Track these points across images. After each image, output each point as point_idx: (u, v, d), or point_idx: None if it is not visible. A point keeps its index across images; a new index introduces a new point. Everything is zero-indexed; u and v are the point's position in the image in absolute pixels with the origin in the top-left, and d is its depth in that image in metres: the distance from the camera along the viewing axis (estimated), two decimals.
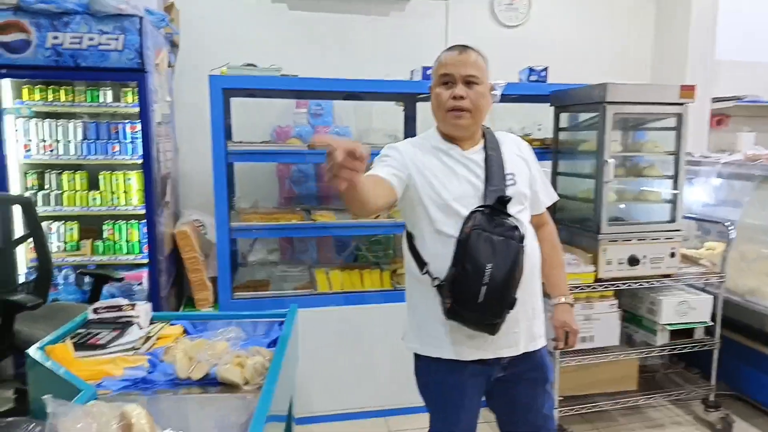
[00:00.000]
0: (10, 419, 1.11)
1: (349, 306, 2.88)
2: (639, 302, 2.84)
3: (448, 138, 1.68)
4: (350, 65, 3.63)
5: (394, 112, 3.60)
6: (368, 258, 3.43)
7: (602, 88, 2.58)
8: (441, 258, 1.58)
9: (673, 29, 4.14)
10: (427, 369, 1.68)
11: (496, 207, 1.58)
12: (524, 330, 1.67)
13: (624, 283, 2.66)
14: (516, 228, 1.58)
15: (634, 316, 2.87)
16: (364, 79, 2.93)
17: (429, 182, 1.61)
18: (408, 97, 3.39)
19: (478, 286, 1.51)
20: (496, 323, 1.57)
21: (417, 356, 1.72)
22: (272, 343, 1.84)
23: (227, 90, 2.79)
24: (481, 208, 1.57)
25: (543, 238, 1.79)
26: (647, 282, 2.69)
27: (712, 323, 2.79)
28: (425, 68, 3.03)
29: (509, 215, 1.59)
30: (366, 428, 2.87)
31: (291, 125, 3.69)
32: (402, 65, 3.28)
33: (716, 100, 4.27)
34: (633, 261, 2.64)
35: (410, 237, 1.69)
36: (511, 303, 1.57)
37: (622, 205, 2.91)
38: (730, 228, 2.86)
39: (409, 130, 3.42)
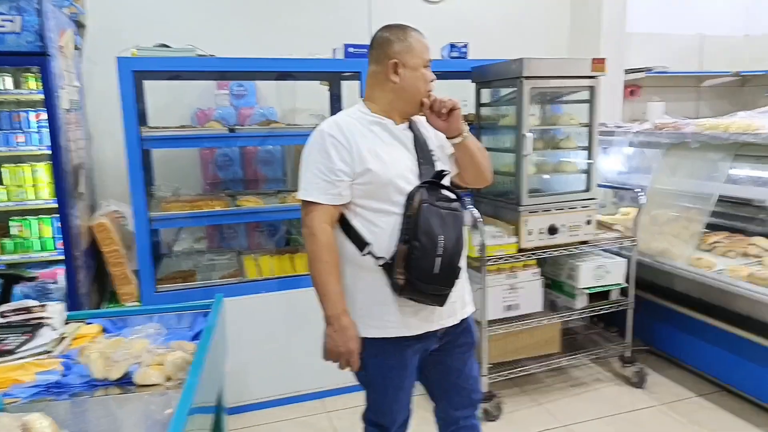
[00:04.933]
0: None
1: (282, 291, 2.85)
2: (559, 269, 2.98)
3: (381, 114, 1.69)
4: (270, 43, 3.53)
5: (319, 91, 3.54)
6: (300, 241, 3.41)
7: (518, 63, 2.64)
8: (386, 236, 1.60)
9: (586, 3, 4.27)
10: (368, 351, 1.68)
11: (435, 181, 1.64)
12: (459, 298, 1.74)
13: (545, 252, 2.78)
14: (455, 200, 1.65)
15: (556, 282, 3.02)
16: (287, 58, 2.86)
17: (372, 161, 1.61)
18: (333, 76, 3.35)
19: (433, 258, 1.56)
20: (446, 294, 1.63)
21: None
22: (198, 335, 1.81)
23: (139, 72, 2.66)
24: (424, 184, 1.62)
25: None
26: (566, 249, 2.82)
27: (627, 284, 2.98)
28: (347, 45, 3.00)
29: (446, 188, 1.66)
30: (303, 411, 2.88)
31: (213, 107, 3.56)
32: (324, 42, 3.22)
33: (629, 71, 4.47)
34: (552, 230, 2.76)
35: (344, 220, 1.67)
36: (458, 272, 1.64)
37: (543, 177, 3.02)
38: (640, 194, 3.03)
39: (335, 110, 3.38)
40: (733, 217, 3.38)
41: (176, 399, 1.37)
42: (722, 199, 3.22)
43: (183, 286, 2.74)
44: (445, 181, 1.69)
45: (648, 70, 4.57)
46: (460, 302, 1.77)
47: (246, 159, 3.58)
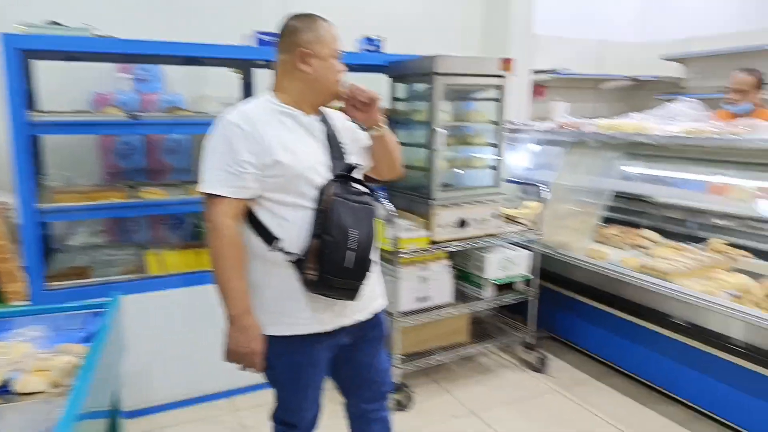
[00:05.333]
0: None
1: (186, 287, 2.73)
2: (468, 260, 3.08)
3: (291, 104, 1.64)
4: (178, 26, 3.35)
5: (230, 78, 3.41)
6: None
7: (431, 60, 2.68)
8: (297, 230, 1.56)
9: (497, 4, 4.42)
10: (276, 350, 1.64)
11: (346, 175, 1.62)
12: (370, 291, 1.73)
13: (455, 244, 2.85)
14: (367, 193, 1.64)
15: (465, 273, 3.11)
16: (193, 43, 2.71)
17: (282, 153, 1.55)
18: (245, 64, 3.23)
19: (344, 252, 1.53)
20: (357, 288, 1.61)
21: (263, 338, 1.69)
22: (90, 337, 1.69)
23: (26, 51, 2.44)
24: (335, 177, 1.60)
25: None
26: (474, 242, 2.91)
27: (531, 275, 3.12)
28: (259, 33, 2.91)
29: (358, 181, 1.65)
30: (211, 411, 2.79)
31: (113, 92, 3.33)
32: (236, 28, 3.10)
33: (536, 72, 4.68)
34: (462, 223, 2.83)
35: (251, 214, 1.60)
36: (370, 265, 1.62)
37: (454, 172, 3.09)
38: (544, 189, 3.18)
39: (247, 98, 3.27)
40: (626, 212, 3.65)
41: (62, 407, 1.28)
42: (618, 195, 3.46)
43: (77, 283, 2.55)
44: (357, 175, 1.68)
45: (554, 71, 4.81)
46: (372, 296, 1.77)
47: (150, 148, 3.38)
